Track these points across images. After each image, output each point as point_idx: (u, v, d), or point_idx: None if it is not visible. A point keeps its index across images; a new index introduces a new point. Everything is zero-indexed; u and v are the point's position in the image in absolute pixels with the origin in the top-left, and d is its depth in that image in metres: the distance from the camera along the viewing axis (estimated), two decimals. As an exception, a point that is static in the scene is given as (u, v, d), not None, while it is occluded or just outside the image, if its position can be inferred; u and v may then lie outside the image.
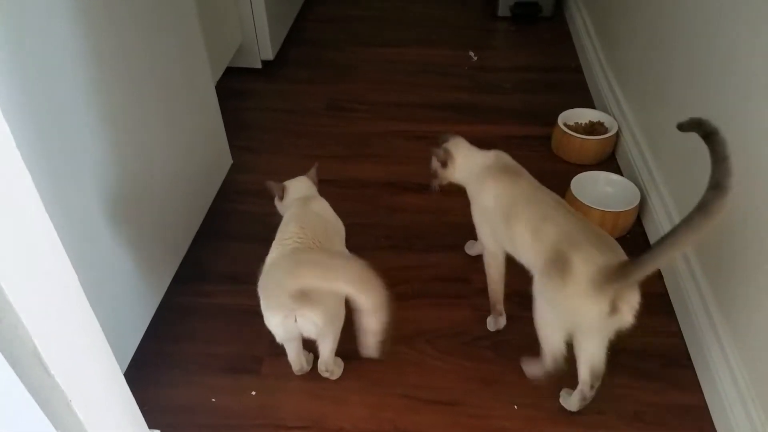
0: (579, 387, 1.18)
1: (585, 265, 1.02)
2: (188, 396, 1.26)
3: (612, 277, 0.99)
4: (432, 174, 1.36)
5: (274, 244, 1.18)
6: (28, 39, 0.94)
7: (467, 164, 1.31)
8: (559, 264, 1.04)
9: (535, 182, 1.24)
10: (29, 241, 0.71)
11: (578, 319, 1.08)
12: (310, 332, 1.15)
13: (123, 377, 0.93)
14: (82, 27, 1.06)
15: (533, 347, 1.33)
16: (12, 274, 0.66)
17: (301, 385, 1.28)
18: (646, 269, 0.97)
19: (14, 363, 0.69)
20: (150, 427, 1.04)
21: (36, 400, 0.72)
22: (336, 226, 1.31)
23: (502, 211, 1.21)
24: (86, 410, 0.80)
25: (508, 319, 1.41)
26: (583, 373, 1.15)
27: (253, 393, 1.27)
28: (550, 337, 1.14)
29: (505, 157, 1.30)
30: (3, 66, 0.88)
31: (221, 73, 2.09)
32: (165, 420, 1.12)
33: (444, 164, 1.33)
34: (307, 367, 1.28)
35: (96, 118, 1.11)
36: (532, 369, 1.25)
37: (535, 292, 1.13)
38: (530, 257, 1.15)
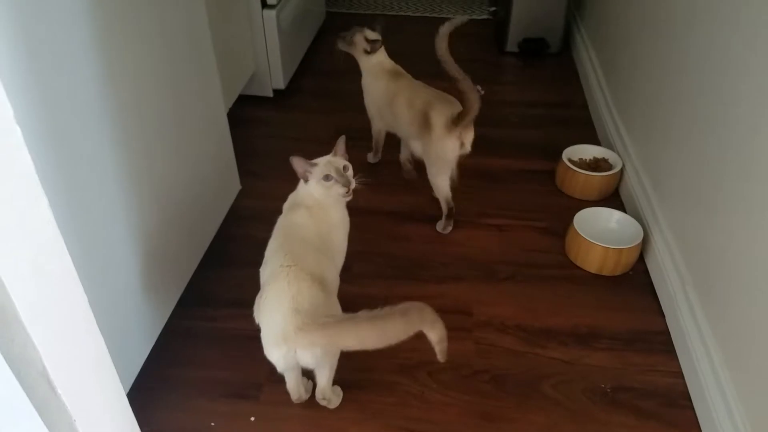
0: (443, 217, 1.76)
1: (439, 116, 1.58)
2: (188, 420, 1.27)
3: (455, 121, 1.56)
4: (349, 42, 1.80)
5: (273, 259, 1.19)
6: (47, 70, 0.97)
7: (375, 59, 1.81)
8: (425, 123, 1.60)
9: (412, 79, 1.78)
10: (44, 266, 0.73)
11: (445, 155, 1.62)
12: (309, 363, 1.16)
13: (126, 399, 0.94)
14: (99, 53, 1.10)
15: (533, 384, 1.34)
16: (26, 297, 0.68)
17: (300, 413, 1.29)
18: (471, 115, 1.54)
19: (23, 381, 0.71)
20: (149, 450, 1.05)
21: (42, 419, 0.73)
22: (331, 237, 1.29)
23: (388, 97, 1.76)
24: (89, 430, 0.81)
25: (509, 353, 1.42)
26: (443, 206, 1.74)
27: (252, 419, 1.27)
28: (441, 185, 1.69)
29: (395, 66, 1.83)
30: (26, 97, 0.92)
31: (233, 101, 2.14)
32: (164, 443, 1.12)
33: (367, 50, 1.80)
34: (305, 396, 1.29)
35: (109, 141, 1.14)
36: (440, 226, 1.77)
37: (423, 159, 1.70)
38: (406, 125, 1.70)
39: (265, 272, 1.19)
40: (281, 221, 1.29)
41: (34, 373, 0.74)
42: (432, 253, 1.71)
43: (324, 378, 1.23)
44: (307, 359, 1.14)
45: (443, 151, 1.62)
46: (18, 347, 0.71)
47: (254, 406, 1.29)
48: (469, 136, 1.62)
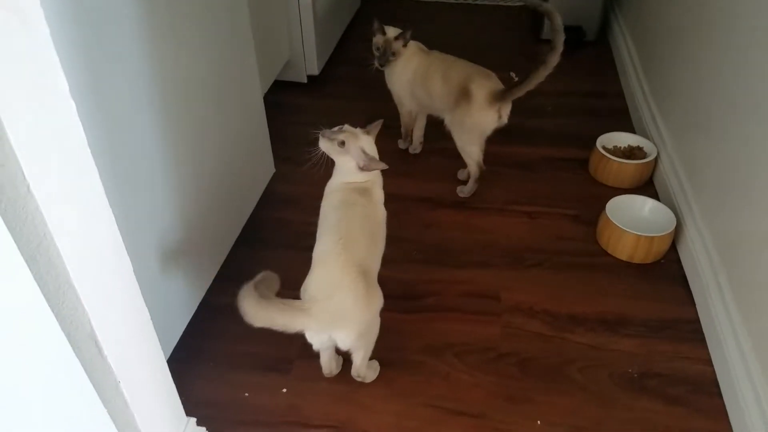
0: (471, 179, 1.83)
1: (480, 90, 1.64)
2: (222, 391, 1.32)
3: (497, 96, 1.63)
4: (390, 54, 1.82)
5: (326, 239, 1.20)
6: (100, 58, 1.02)
7: (408, 50, 1.84)
8: (465, 95, 1.65)
9: (441, 54, 1.83)
10: (95, 237, 0.78)
11: (483, 126, 1.70)
12: (344, 345, 1.21)
13: (167, 366, 0.99)
14: (147, 38, 1.14)
15: (559, 368, 1.35)
16: (77, 263, 0.73)
17: (330, 387, 1.33)
18: (517, 95, 1.63)
19: (72, 342, 0.76)
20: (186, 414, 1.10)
21: (89, 378, 0.79)
22: (380, 226, 1.31)
23: (421, 74, 1.81)
24: (132, 392, 0.86)
25: (536, 338, 1.43)
26: (473, 169, 1.80)
27: (284, 391, 1.32)
28: (474, 151, 1.76)
29: (420, 44, 1.87)
30: (81, 80, 0.97)
31: (269, 86, 2.18)
32: (199, 412, 1.17)
33: (404, 45, 1.83)
34: (336, 371, 1.33)
35: (154, 122, 1.19)
36: (466, 189, 1.84)
37: (452, 128, 1.75)
38: (443, 100, 1.73)
39: (317, 250, 1.20)
40: (338, 199, 1.26)
41: (83, 335, 0.79)
42: (461, 239, 1.72)
43: (359, 358, 1.26)
44: (342, 342, 1.20)
45: (482, 123, 1.69)
46: (68, 309, 0.76)
47: (286, 380, 1.34)
48: (507, 109, 1.68)
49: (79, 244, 0.74)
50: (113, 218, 0.79)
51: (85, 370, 0.78)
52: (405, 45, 1.82)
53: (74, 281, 0.73)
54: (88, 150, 0.73)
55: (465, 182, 1.86)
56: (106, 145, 1.05)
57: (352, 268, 1.14)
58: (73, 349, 0.76)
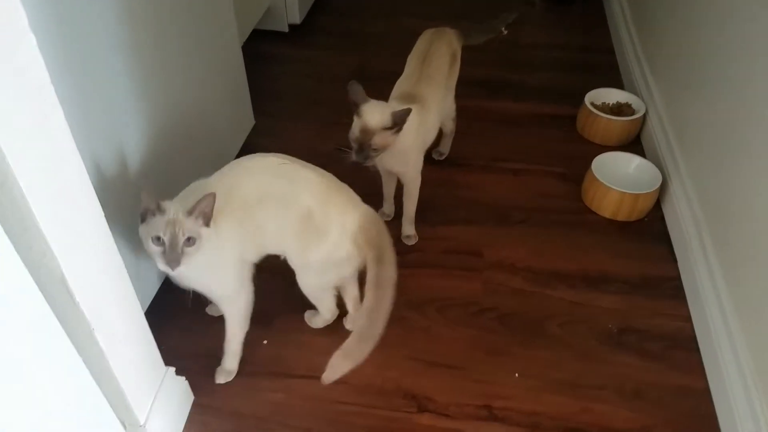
0: (451, 135, 1.79)
1: (458, 45, 1.63)
2: (202, 342, 1.31)
3: (460, 40, 1.63)
4: (373, 147, 1.46)
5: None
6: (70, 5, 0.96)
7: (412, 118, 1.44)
8: (454, 57, 1.61)
9: (419, 64, 1.55)
10: (63, 178, 0.75)
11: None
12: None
13: (143, 313, 0.97)
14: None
15: (539, 322, 1.36)
16: (45, 206, 0.70)
17: (312, 340, 1.32)
18: (471, 42, 1.68)
19: (43, 288, 0.73)
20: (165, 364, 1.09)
21: (62, 324, 0.76)
22: None
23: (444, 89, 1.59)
24: (107, 339, 0.85)
25: (518, 293, 1.43)
26: (453, 125, 1.77)
27: (265, 342, 1.31)
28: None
29: (415, 93, 1.50)
30: (43, 25, 0.91)
31: (248, 35, 2.10)
32: (179, 363, 1.16)
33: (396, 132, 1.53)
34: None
35: (124, 68, 1.14)
36: (445, 149, 1.82)
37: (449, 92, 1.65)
38: (446, 75, 1.58)
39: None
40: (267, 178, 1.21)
41: (54, 281, 0.76)
42: (444, 196, 1.70)
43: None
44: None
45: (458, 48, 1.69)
46: (37, 254, 0.73)
47: (267, 332, 1.33)
48: None
49: (45, 184, 0.70)
50: (81, 160, 0.76)
51: (58, 316, 0.76)
52: (398, 131, 1.29)
53: (41, 223, 0.70)
54: (52, 88, 0.69)
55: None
56: (76, 89, 1.00)
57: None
58: (44, 294, 0.74)
